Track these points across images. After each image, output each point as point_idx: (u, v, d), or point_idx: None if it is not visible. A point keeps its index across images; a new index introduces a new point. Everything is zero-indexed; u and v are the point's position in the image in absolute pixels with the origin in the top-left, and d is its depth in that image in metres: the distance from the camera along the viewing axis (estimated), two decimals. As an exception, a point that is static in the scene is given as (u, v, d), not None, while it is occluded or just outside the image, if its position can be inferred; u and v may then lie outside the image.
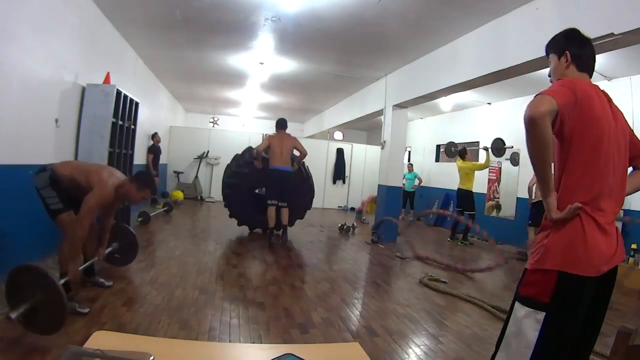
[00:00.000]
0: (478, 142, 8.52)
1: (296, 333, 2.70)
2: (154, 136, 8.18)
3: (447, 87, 5.34)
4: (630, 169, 1.53)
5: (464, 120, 9.27)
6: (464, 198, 7.06)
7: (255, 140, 8.99)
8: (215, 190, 10.14)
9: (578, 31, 1.55)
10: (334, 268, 4.70)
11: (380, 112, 7.37)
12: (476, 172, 7.15)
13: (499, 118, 8.05)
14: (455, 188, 7.31)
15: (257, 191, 6.59)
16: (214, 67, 7.54)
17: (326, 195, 11.18)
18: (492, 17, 4.29)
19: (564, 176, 1.39)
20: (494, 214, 7.97)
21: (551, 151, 1.31)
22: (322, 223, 8.15)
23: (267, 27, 5.15)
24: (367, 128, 14.16)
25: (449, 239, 7.23)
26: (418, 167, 10.28)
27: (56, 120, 3.95)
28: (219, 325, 2.72)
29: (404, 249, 5.82)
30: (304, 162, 6.10)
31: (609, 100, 1.47)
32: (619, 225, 4.64)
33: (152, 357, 0.85)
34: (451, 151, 7.87)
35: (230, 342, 2.48)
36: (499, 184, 8.00)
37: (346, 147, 11.71)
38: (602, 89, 1.48)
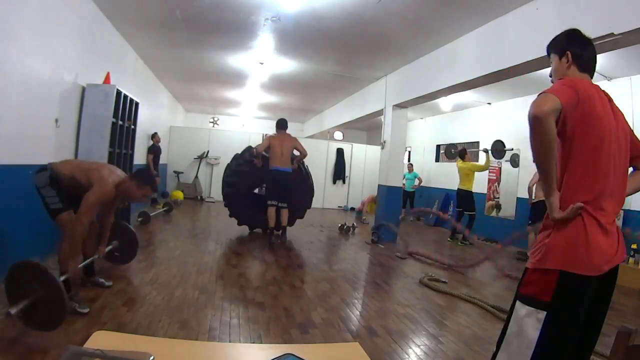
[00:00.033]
0: (478, 142, 8.52)
1: (296, 333, 2.70)
2: (154, 136, 8.18)
3: (447, 87, 5.34)
4: (630, 170, 1.54)
5: (464, 120, 9.27)
6: (464, 198, 7.06)
7: (255, 140, 8.99)
8: (215, 190, 10.14)
9: (579, 32, 1.55)
10: (334, 268, 4.70)
11: (380, 112, 7.37)
12: (476, 172, 7.16)
13: (499, 118, 8.06)
14: (455, 188, 7.31)
15: (256, 191, 6.59)
16: (214, 67, 7.53)
17: (326, 195, 11.18)
18: (492, 17, 4.29)
19: (566, 175, 1.40)
20: (493, 213, 7.97)
21: (555, 150, 1.32)
22: (322, 223, 8.15)
23: (267, 27, 5.15)
24: (367, 128, 14.16)
25: (449, 239, 7.24)
26: (418, 167, 10.28)
27: (56, 120, 3.95)
28: (219, 325, 2.72)
29: (402, 248, 5.83)
30: (303, 162, 6.10)
31: (610, 100, 1.48)
32: (619, 224, 4.66)
33: (152, 357, 0.85)
34: (451, 153, 7.88)
35: (230, 342, 2.48)
36: (499, 184, 8.01)
37: (346, 147, 11.71)
38: (602, 89, 1.48)
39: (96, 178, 2.74)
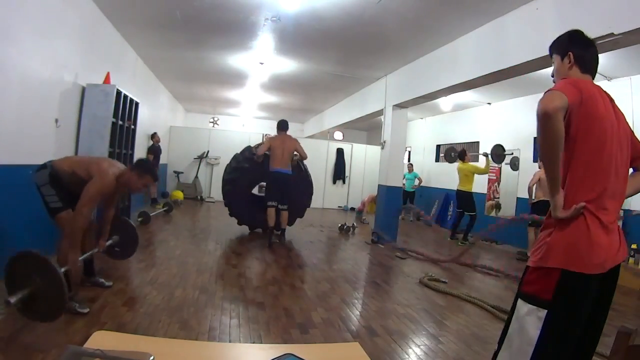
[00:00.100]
0: (478, 142, 8.52)
1: (296, 333, 2.70)
2: (154, 136, 8.19)
3: (447, 87, 5.34)
4: (630, 171, 1.54)
5: (464, 120, 9.27)
6: (464, 199, 7.07)
7: (255, 140, 8.98)
8: (215, 190, 10.14)
9: (582, 33, 1.56)
10: (334, 268, 4.70)
11: (380, 112, 7.37)
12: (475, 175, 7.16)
13: (499, 118, 8.06)
14: (455, 188, 7.31)
15: (256, 192, 6.59)
16: (214, 67, 7.54)
17: (326, 195, 11.18)
18: (492, 17, 4.29)
19: (569, 175, 1.40)
20: (493, 213, 7.97)
21: (562, 148, 1.32)
22: (322, 223, 8.15)
23: (267, 27, 5.15)
24: (367, 128, 14.16)
25: (449, 238, 7.24)
26: (418, 167, 10.28)
27: (56, 120, 3.95)
28: (219, 325, 2.73)
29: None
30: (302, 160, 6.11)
31: (612, 100, 1.49)
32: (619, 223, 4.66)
33: (152, 357, 0.85)
34: (451, 156, 7.86)
35: (230, 342, 2.48)
36: (499, 183, 8.01)
37: (346, 147, 11.71)
38: (604, 89, 1.48)
39: (96, 170, 2.73)
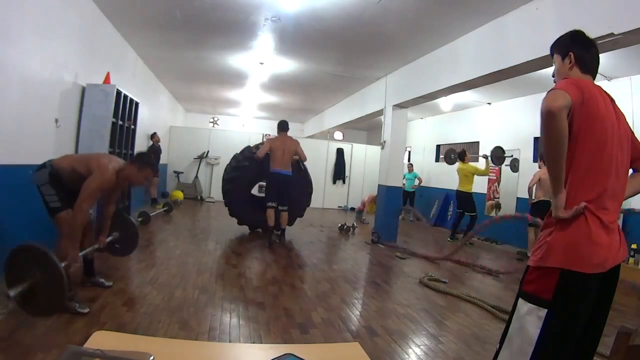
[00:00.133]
0: (478, 142, 8.52)
1: (296, 333, 2.70)
2: (153, 136, 8.19)
3: (447, 87, 5.34)
4: (630, 171, 1.54)
5: (464, 120, 9.27)
6: (464, 200, 7.06)
7: (255, 140, 8.99)
8: (215, 190, 10.14)
9: (583, 33, 1.56)
10: (334, 268, 4.70)
11: (380, 112, 7.37)
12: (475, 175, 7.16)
13: (499, 118, 8.06)
14: (455, 188, 7.31)
15: (256, 192, 6.58)
16: (214, 67, 7.53)
17: (326, 195, 11.19)
18: (492, 17, 4.29)
19: (570, 174, 1.40)
20: (493, 213, 7.96)
21: (566, 146, 1.31)
22: (322, 223, 8.15)
23: (267, 27, 5.15)
24: (367, 128, 14.16)
25: (449, 239, 7.23)
26: (418, 167, 10.28)
27: (56, 120, 3.95)
28: (219, 325, 2.73)
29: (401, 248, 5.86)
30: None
31: (612, 101, 1.49)
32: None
33: (152, 357, 0.85)
34: (450, 158, 7.85)
35: (230, 342, 2.48)
36: (498, 183, 8.01)
37: (346, 147, 11.71)
38: (604, 90, 1.49)
39: (96, 166, 2.73)
